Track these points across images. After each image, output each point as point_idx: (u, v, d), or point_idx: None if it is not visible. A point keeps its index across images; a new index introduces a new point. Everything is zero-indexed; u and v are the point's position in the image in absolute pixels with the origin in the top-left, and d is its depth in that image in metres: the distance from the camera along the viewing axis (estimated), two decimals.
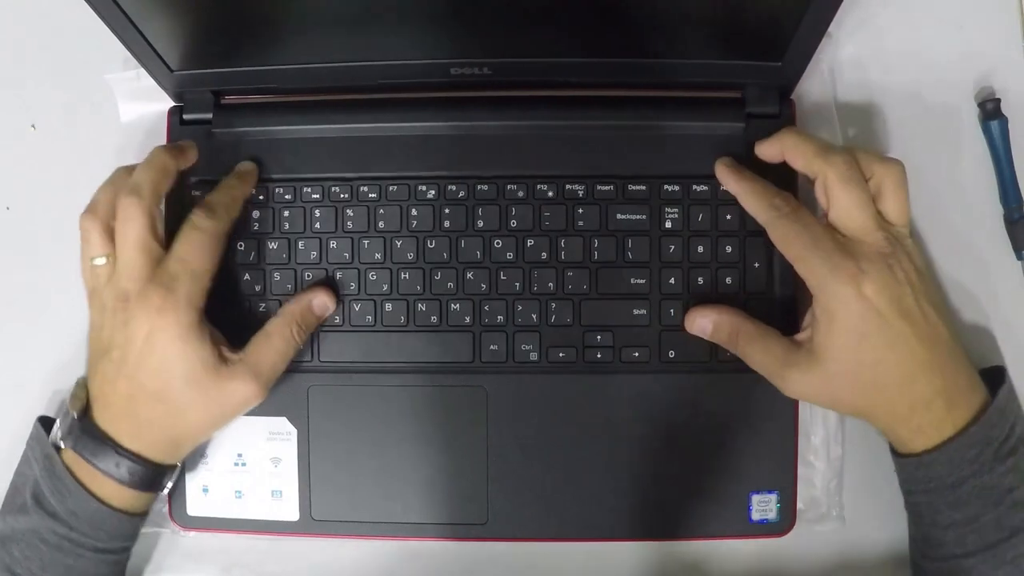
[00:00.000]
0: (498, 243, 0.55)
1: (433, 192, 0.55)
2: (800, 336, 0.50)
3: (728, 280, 0.54)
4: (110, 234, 0.51)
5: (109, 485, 0.50)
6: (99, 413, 0.51)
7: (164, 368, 0.49)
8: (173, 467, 0.53)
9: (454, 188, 0.55)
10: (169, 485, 0.53)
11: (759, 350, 0.50)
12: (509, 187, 0.55)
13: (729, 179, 0.53)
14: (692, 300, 0.54)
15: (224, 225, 0.52)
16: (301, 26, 0.50)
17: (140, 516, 0.53)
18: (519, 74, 0.53)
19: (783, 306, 0.54)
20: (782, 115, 0.55)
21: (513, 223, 0.55)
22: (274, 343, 0.52)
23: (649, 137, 0.55)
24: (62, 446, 0.51)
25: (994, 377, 0.50)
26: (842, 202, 0.48)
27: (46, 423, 0.53)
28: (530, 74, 0.53)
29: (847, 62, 0.58)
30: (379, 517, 0.55)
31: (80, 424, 0.50)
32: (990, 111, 0.56)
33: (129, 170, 0.53)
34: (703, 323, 0.53)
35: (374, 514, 0.55)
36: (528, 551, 0.56)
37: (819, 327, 0.48)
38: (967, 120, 0.58)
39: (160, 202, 0.51)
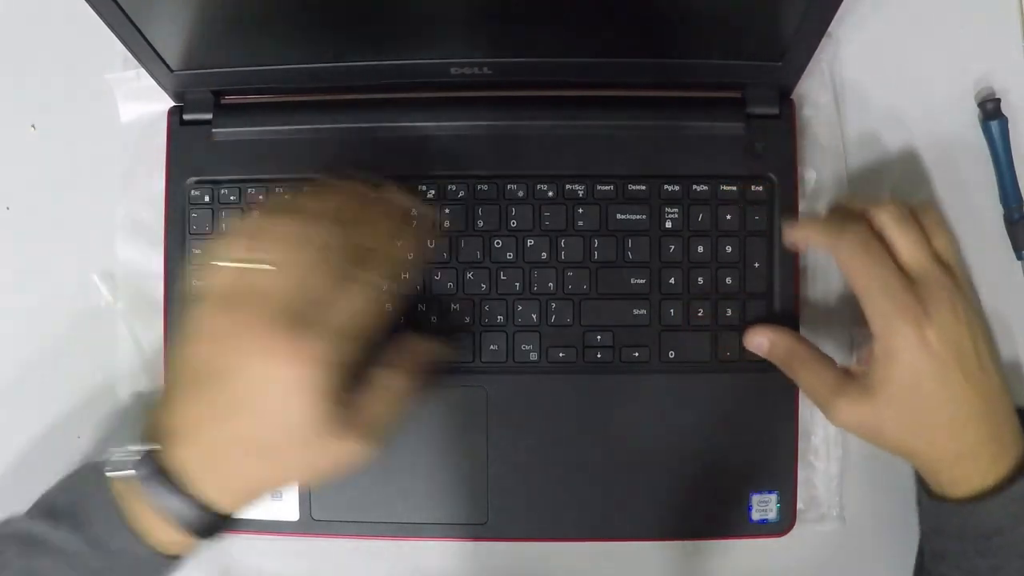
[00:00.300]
0: (498, 243, 0.55)
1: (433, 192, 0.55)
2: (856, 368, 0.50)
3: (728, 280, 0.54)
4: None
5: (167, 531, 0.44)
6: (180, 449, 0.43)
7: (281, 424, 0.43)
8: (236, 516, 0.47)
9: (454, 188, 0.55)
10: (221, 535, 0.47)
11: (812, 374, 0.50)
12: (509, 187, 0.55)
13: (797, 232, 0.52)
14: (692, 300, 0.54)
15: (395, 285, 0.47)
16: (301, 26, 0.50)
17: (176, 558, 0.46)
18: (519, 74, 0.53)
19: (783, 307, 0.54)
20: (782, 115, 0.55)
21: (513, 223, 0.55)
22: (388, 397, 0.47)
23: (649, 137, 0.55)
24: (120, 474, 0.44)
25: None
26: (902, 242, 0.48)
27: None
28: (530, 74, 0.53)
29: (847, 62, 0.58)
30: (379, 517, 0.54)
31: (155, 459, 0.44)
32: (990, 111, 0.56)
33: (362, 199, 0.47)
34: (760, 340, 0.53)
35: (374, 514, 0.54)
36: (528, 551, 0.56)
37: (878, 364, 0.48)
38: (967, 120, 0.58)
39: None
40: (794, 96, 0.56)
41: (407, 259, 0.49)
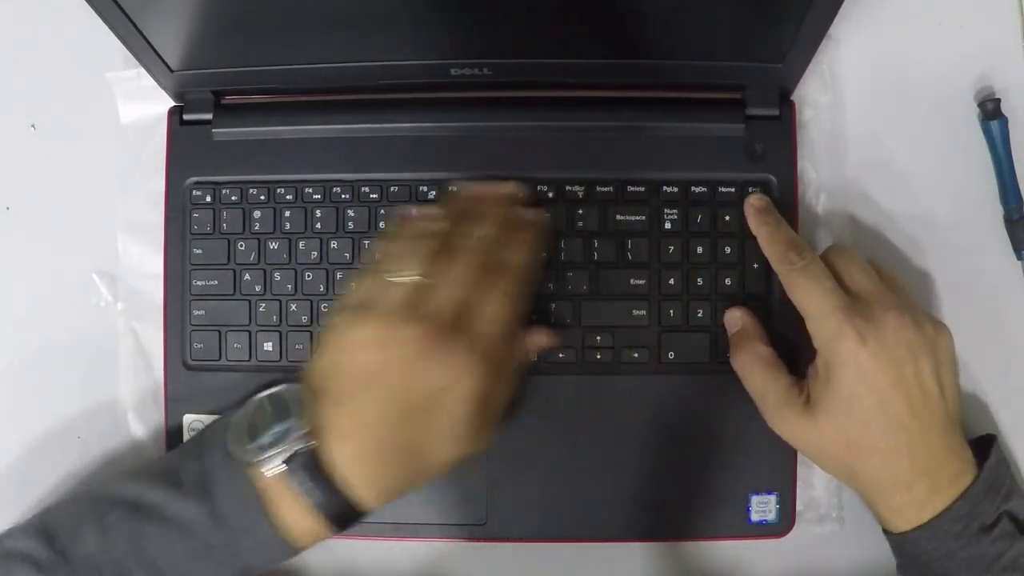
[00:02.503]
0: None
1: (434, 193, 0.55)
2: (801, 382, 0.50)
3: (728, 281, 0.54)
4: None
5: (304, 519, 0.45)
6: (339, 446, 0.45)
7: (442, 430, 0.46)
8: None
9: (455, 189, 0.55)
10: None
11: (766, 378, 0.51)
12: None
13: (752, 220, 0.53)
14: (692, 301, 0.54)
15: (525, 291, 0.50)
16: (302, 26, 0.50)
17: (301, 550, 0.47)
18: (519, 75, 0.53)
19: (782, 307, 0.54)
20: (782, 116, 0.55)
21: None
22: (509, 387, 0.50)
23: (649, 138, 0.55)
24: (269, 469, 0.45)
25: (986, 446, 0.50)
26: (851, 268, 0.50)
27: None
28: (530, 75, 0.53)
29: (847, 63, 0.58)
30: (379, 517, 0.53)
31: (307, 456, 0.45)
32: (990, 111, 0.56)
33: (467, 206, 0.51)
34: (734, 319, 0.53)
35: (373, 514, 0.54)
36: (527, 552, 0.56)
37: (817, 379, 0.48)
38: (967, 120, 0.58)
39: None
40: (794, 97, 0.56)
41: (534, 266, 0.51)
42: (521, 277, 0.49)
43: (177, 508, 0.45)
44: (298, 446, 0.45)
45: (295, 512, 0.45)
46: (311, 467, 0.44)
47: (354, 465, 0.45)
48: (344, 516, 0.46)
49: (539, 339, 0.52)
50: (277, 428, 0.45)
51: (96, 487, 0.48)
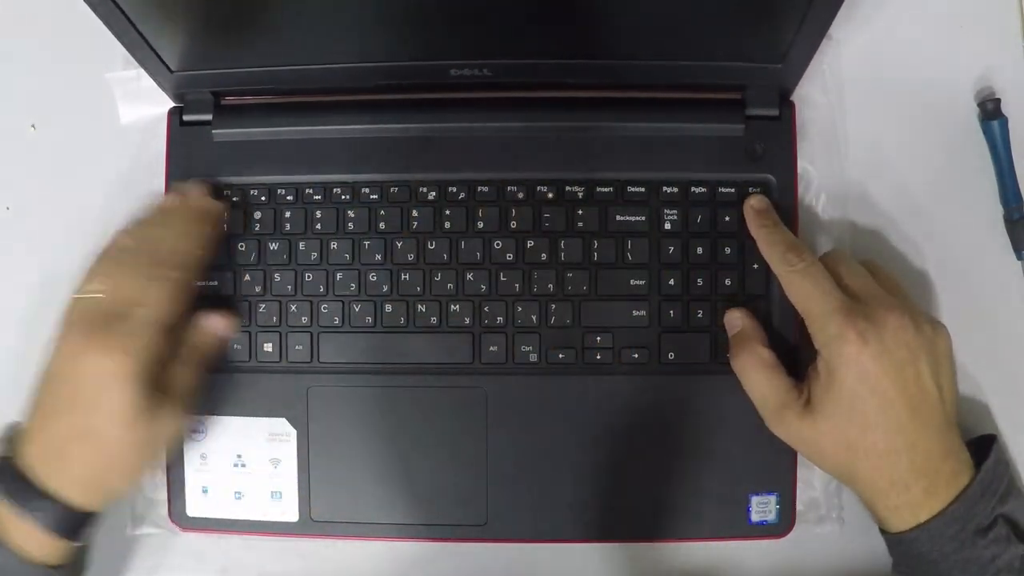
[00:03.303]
0: (498, 244, 0.55)
1: (434, 193, 0.55)
2: (801, 384, 0.50)
3: (727, 282, 0.54)
4: None
5: (34, 536, 0.48)
6: (26, 448, 0.49)
7: (102, 410, 0.48)
8: (96, 515, 0.51)
9: (454, 189, 0.55)
10: (88, 538, 0.51)
11: (766, 380, 0.51)
12: (509, 188, 0.55)
13: (751, 222, 0.53)
14: (691, 301, 0.54)
15: (190, 275, 0.52)
16: (301, 27, 0.50)
17: (57, 569, 0.49)
18: (519, 75, 0.53)
19: (781, 308, 0.54)
20: (782, 117, 0.55)
21: (513, 224, 0.55)
22: (191, 371, 0.52)
23: (649, 139, 0.55)
24: None
25: (986, 446, 0.50)
26: (849, 272, 0.50)
27: None
28: (530, 76, 0.53)
29: (847, 63, 0.58)
30: (378, 518, 0.55)
31: (12, 467, 0.48)
32: (990, 111, 0.56)
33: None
34: (735, 320, 0.53)
35: (374, 515, 0.55)
36: (527, 552, 0.56)
37: (818, 381, 0.48)
38: (967, 120, 0.58)
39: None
40: (794, 97, 0.56)
41: (197, 253, 0.53)
42: (177, 263, 0.51)
43: None
44: None
45: (22, 534, 0.48)
46: (12, 478, 0.48)
47: (42, 463, 0.48)
48: (69, 522, 0.48)
49: (212, 323, 0.54)
50: None
51: None
